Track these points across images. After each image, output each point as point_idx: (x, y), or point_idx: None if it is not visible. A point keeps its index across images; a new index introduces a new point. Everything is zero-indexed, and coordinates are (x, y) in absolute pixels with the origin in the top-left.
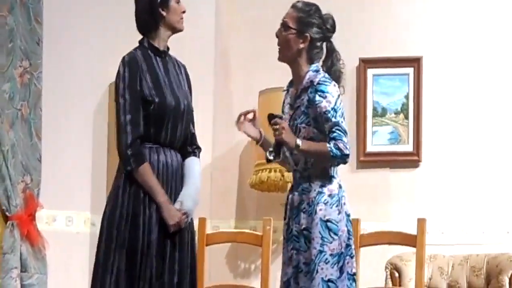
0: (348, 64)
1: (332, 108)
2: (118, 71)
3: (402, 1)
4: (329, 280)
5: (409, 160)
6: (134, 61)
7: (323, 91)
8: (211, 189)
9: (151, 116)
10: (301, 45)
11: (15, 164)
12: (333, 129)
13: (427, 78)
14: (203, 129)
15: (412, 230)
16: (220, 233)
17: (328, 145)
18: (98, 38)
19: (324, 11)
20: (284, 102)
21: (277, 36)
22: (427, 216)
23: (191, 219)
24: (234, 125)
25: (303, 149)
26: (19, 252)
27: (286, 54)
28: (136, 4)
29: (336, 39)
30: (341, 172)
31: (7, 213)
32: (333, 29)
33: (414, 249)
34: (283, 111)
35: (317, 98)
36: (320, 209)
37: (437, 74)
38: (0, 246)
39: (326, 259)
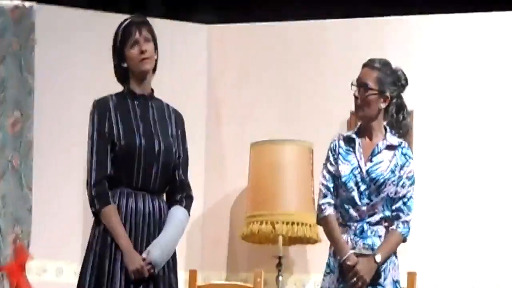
0: (340, 118)
1: (412, 176)
2: (90, 113)
3: (394, 57)
4: None
5: None
6: (103, 104)
7: (410, 157)
8: (202, 240)
9: (119, 158)
10: (382, 105)
11: (6, 215)
12: (407, 198)
13: (417, 132)
14: (195, 178)
15: (402, 284)
16: (211, 286)
17: (398, 228)
18: (90, 90)
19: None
20: (339, 147)
21: (356, 97)
22: (418, 270)
23: (173, 271)
24: (226, 176)
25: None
26: None
27: (369, 114)
28: None
29: (326, 94)
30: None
31: None
32: (406, 83)
33: None
34: (338, 155)
35: (404, 161)
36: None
37: (428, 128)
38: None
39: None
